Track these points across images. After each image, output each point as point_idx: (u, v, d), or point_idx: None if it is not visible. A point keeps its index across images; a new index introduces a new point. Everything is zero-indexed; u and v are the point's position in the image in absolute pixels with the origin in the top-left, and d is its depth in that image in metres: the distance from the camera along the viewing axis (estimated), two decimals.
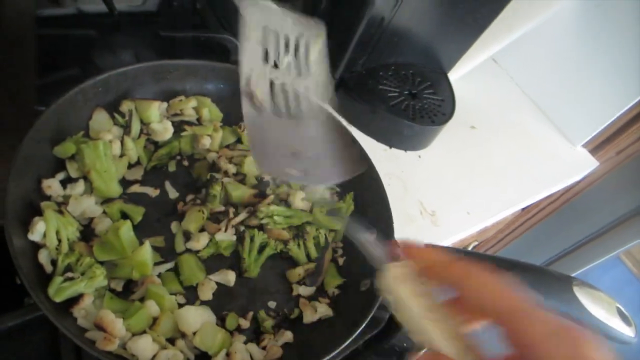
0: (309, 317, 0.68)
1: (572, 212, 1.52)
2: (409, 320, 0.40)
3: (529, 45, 1.21)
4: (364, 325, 0.63)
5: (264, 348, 0.63)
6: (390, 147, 1.04)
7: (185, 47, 0.92)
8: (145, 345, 0.55)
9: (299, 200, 0.75)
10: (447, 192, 1.02)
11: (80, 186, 0.64)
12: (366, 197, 0.78)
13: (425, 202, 0.99)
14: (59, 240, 0.58)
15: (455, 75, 1.11)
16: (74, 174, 0.65)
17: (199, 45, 0.94)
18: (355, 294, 0.70)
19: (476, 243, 1.33)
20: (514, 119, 1.24)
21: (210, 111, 0.78)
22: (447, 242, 0.99)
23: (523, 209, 1.31)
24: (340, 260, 0.75)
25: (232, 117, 0.81)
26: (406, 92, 1.03)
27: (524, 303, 0.35)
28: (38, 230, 0.58)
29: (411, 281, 0.41)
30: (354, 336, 0.61)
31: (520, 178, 1.11)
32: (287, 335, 0.65)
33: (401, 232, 0.83)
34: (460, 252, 0.91)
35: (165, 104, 0.76)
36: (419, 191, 1.00)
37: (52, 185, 0.62)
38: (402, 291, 0.41)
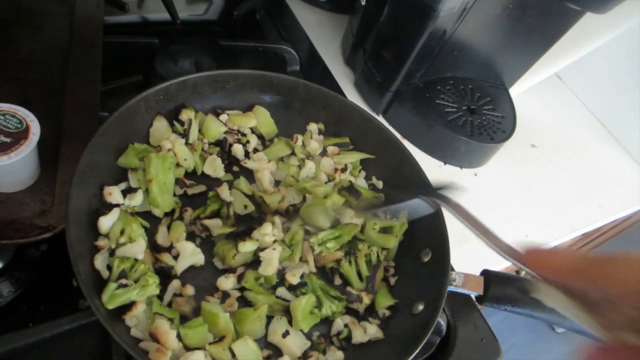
0: (358, 337, 0.66)
1: (639, 235, 1.42)
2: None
3: (595, 62, 1.15)
4: (415, 352, 0.60)
5: None
6: (445, 163, 1.01)
7: (244, 57, 0.93)
8: None
9: (348, 216, 0.73)
10: (503, 212, 0.97)
11: (139, 196, 0.65)
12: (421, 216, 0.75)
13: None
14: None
15: (516, 91, 1.06)
16: (134, 184, 0.66)
17: (257, 55, 0.94)
18: (406, 317, 0.67)
19: None
20: (578, 138, 1.17)
21: (266, 124, 0.77)
22: (503, 265, 0.94)
23: (584, 234, 1.24)
24: (392, 280, 0.72)
25: (287, 129, 0.80)
26: (464, 108, 0.99)
27: None
28: (105, 226, 0.60)
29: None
30: None
31: (583, 202, 1.04)
32: (338, 355, 0.63)
33: (455, 252, 0.80)
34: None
35: (225, 116, 0.77)
36: (474, 210, 0.95)
37: (113, 193, 0.63)
38: (554, 296, 0.39)
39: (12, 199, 0.63)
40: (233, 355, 0.58)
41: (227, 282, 0.63)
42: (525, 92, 1.09)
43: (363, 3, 0.98)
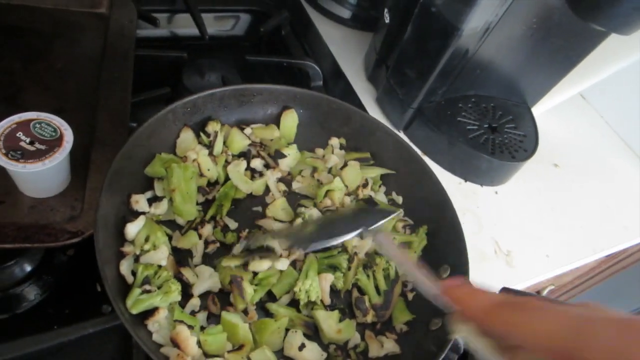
0: (375, 351, 0.66)
1: None
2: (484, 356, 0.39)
3: (620, 82, 1.14)
4: None
5: None
6: (466, 180, 1.00)
7: (269, 72, 0.95)
8: None
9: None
10: (524, 232, 0.96)
11: (164, 205, 0.67)
12: (440, 231, 0.75)
13: (501, 241, 0.94)
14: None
15: (539, 110, 1.06)
16: (160, 192, 0.69)
17: (282, 71, 0.96)
18: (424, 333, 0.67)
19: (552, 287, 1.24)
20: (602, 158, 1.16)
21: (289, 130, 0.80)
22: (522, 285, 0.93)
23: (607, 255, 1.21)
24: (410, 295, 0.72)
25: (308, 142, 0.82)
26: (486, 126, 0.99)
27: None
28: (131, 232, 0.61)
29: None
30: None
31: (607, 223, 1.03)
32: None
33: (473, 269, 0.79)
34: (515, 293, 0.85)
35: (249, 129, 0.78)
36: (494, 229, 0.95)
37: (140, 201, 0.65)
38: (467, 332, 0.40)
39: (44, 204, 0.66)
40: None
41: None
42: (548, 111, 1.09)
43: (387, 21, 0.99)
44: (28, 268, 0.68)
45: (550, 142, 1.08)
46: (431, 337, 0.65)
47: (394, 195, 0.81)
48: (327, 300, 0.68)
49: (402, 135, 1.02)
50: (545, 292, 1.23)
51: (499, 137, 0.98)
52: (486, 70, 0.95)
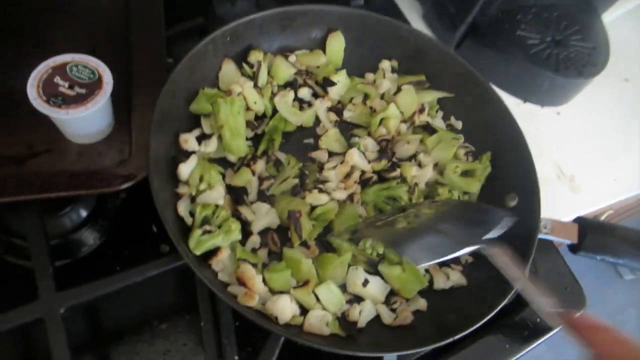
0: (441, 283, 0.64)
1: None
2: None
3: None
4: (500, 306, 0.57)
5: (393, 310, 0.61)
6: (525, 101, 0.93)
7: None
8: (284, 304, 0.54)
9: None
10: (589, 154, 0.89)
11: (213, 142, 0.64)
12: (505, 157, 0.70)
13: (564, 165, 0.87)
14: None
15: (610, 17, 0.94)
16: (208, 130, 0.65)
17: None
18: (490, 264, 0.64)
19: (611, 212, 1.19)
20: None
21: (337, 53, 0.74)
22: (587, 211, 0.88)
23: None
24: None
25: (357, 67, 0.76)
26: (549, 39, 0.89)
27: None
28: (184, 172, 0.59)
29: None
30: (490, 316, 0.56)
31: None
32: (421, 303, 0.61)
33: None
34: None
35: (293, 57, 0.73)
36: (557, 152, 0.89)
37: (189, 140, 0.62)
38: None
39: (92, 150, 0.64)
40: (317, 299, 0.58)
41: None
42: (621, 17, 0.97)
43: None
44: (84, 214, 0.67)
45: (623, 53, 0.97)
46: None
47: (452, 120, 0.76)
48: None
49: None
50: (603, 217, 1.18)
51: (563, 51, 0.88)
52: None
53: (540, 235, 0.62)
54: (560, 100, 0.93)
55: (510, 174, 0.69)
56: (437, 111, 0.76)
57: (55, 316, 0.53)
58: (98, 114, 0.61)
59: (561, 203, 0.84)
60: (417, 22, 0.96)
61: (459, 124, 0.75)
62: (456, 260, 0.65)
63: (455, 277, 0.64)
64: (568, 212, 0.82)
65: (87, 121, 0.61)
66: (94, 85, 0.60)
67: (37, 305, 0.54)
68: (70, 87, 0.59)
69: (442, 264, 0.65)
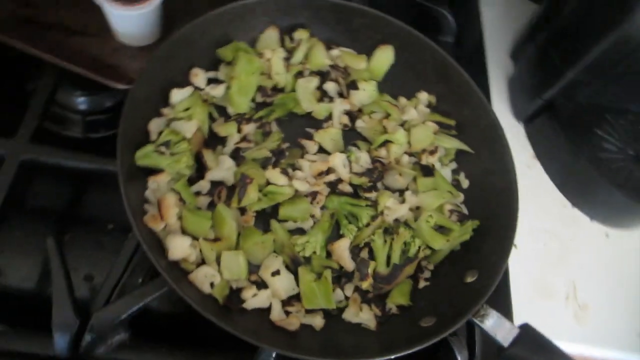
0: (350, 315, 0.60)
1: None
2: None
3: None
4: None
5: (286, 313, 0.58)
6: (574, 206, 0.82)
7: (394, 5, 0.86)
8: (181, 243, 0.55)
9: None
10: (619, 293, 0.76)
11: (220, 89, 0.67)
12: (489, 236, 0.63)
13: (581, 288, 0.75)
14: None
15: None
16: (222, 77, 0.69)
17: (409, 8, 0.86)
18: (409, 325, 0.58)
19: None
20: None
21: (380, 67, 0.73)
22: (589, 352, 0.74)
23: None
24: (422, 283, 0.63)
25: (396, 88, 0.74)
26: (631, 152, 0.78)
27: None
28: (175, 97, 0.63)
29: None
30: None
31: None
32: (317, 321, 0.58)
33: (528, 306, 0.69)
34: None
35: (337, 51, 0.74)
36: (578, 271, 0.77)
37: (199, 75, 0.67)
38: None
39: (127, 51, 0.72)
40: (218, 262, 0.58)
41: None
42: None
43: None
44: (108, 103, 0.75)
45: None
46: (416, 331, 0.57)
47: (461, 176, 0.70)
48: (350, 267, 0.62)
49: (519, 127, 0.87)
50: None
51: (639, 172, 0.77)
52: None
53: (476, 322, 0.55)
54: (614, 222, 0.81)
55: (485, 252, 0.62)
56: (450, 161, 0.71)
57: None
58: (150, 16, 0.68)
59: (557, 326, 0.72)
60: (498, 82, 0.90)
61: (465, 182, 0.69)
62: (379, 304, 0.61)
63: (367, 317, 0.59)
64: (558, 336, 0.71)
65: (138, 21, 0.68)
66: None
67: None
68: None
69: (364, 300, 0.61)
